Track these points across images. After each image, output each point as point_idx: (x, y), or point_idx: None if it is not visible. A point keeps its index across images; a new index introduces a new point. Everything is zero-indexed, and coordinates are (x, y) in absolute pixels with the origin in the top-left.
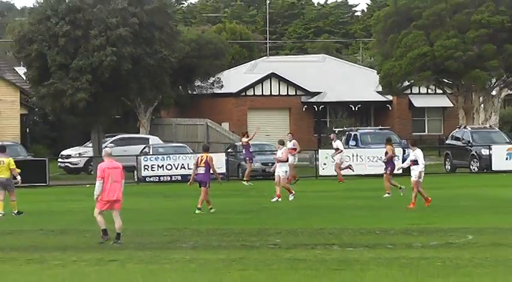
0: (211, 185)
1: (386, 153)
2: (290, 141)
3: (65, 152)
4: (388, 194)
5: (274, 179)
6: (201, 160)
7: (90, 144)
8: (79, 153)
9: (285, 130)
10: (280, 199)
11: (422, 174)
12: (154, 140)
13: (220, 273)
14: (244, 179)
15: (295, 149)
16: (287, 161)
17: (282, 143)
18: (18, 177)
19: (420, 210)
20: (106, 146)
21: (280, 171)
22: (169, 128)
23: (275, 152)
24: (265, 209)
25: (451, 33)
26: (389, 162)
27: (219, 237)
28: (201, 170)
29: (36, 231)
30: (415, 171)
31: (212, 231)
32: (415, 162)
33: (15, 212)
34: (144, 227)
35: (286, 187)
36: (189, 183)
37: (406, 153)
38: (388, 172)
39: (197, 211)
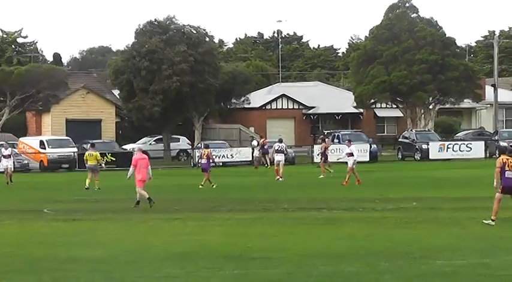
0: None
1: (323, 147)
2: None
3: (124, 147)
4: (323, 176)
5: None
6: (204, 154)
7: (140, 141)
8: (133, 148)
9: (291, 132)
10: (282, 178)
11: (355, 162)
12: (183, 140)
13: (248, 227)
14: (266, 164)
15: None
16: (283, 152)
17: (280, 141)
18: (103, 165)
19: (380, 186)
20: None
21: (279, 159)
22: (214, 131)
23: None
24: (276, 184)
25: (402, 67)
26: (323, 153)
27: (246, 203)
28: (204, 161)
29: (125, 199)
30: (351, 160)
31: (242, 199)
32: (350, 154)
33: (97, 188)
34: (196, 196)
35: (280, 171)
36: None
37: (372, 148)
38: (323, 160)
39: (200, 186)
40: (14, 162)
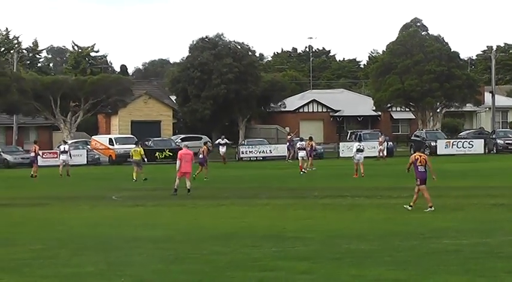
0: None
1: (309, 144)
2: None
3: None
4: (306, 170)
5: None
6: (201, 150)
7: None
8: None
9: (320, 132)
10: (305, 171)
11: (357, 157)
12: (205, 138)
13: (283, 211)
14: (288, 159)
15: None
16: (304, 149)
17: (301, 139)
18: (145, 159)
19: (396, 177)
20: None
21: (302, 155)
22: (255, 130)
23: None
24: (307, 175)
25: (414, 77)
26: (310, 150)
27: (282, 191)
28: (201, 156)
29: (180, 188)
30: (358, 155)
31: (278, 188)
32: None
33: (135, 179)
34: (239, 186)
35: (301, 165)
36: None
37: (389, 144)
38: (311, 156)
39: (205, 179)
40: (70, 156)
